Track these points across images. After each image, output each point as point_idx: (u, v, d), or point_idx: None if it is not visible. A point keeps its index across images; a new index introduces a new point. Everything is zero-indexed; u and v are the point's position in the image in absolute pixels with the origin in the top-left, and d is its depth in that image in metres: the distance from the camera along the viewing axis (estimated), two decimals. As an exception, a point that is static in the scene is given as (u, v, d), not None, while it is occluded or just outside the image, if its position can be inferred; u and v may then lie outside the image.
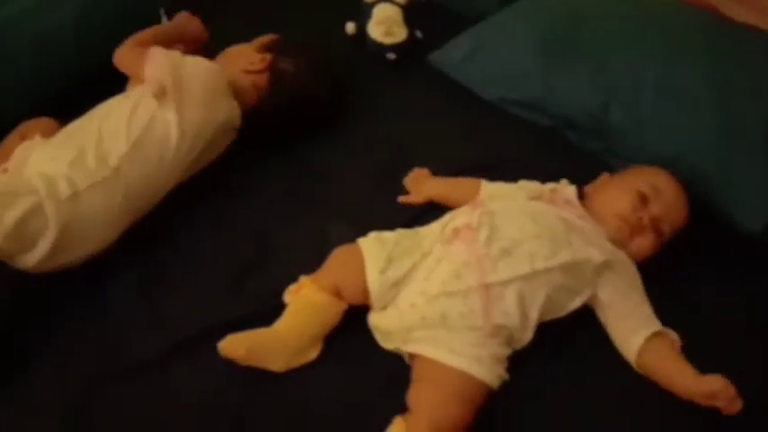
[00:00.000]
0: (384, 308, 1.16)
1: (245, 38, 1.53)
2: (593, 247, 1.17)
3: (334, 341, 1.16)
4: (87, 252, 1.21)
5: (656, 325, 1.15)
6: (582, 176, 1.38)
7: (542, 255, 1.14)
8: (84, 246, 1.21)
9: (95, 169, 1.22)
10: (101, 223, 1.22)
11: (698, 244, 1.28)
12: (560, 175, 1.38)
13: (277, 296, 1.19)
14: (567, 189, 1.29)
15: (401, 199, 1.38)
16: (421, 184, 1.39)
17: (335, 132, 1.52)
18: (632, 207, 1.22)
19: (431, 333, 1.12)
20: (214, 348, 1.11)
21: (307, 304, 1.15)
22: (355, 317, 1.18)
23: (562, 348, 1.17)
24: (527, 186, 1.31)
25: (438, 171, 1.42)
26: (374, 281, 1.15)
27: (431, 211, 1.34)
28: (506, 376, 1.11)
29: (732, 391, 1.06)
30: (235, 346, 1.10)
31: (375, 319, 1.17)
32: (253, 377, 1.11)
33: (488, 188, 1.32)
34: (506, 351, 1.13)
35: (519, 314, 1.12)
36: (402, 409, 1.08)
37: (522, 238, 1.15)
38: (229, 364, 1.11)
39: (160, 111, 1.29)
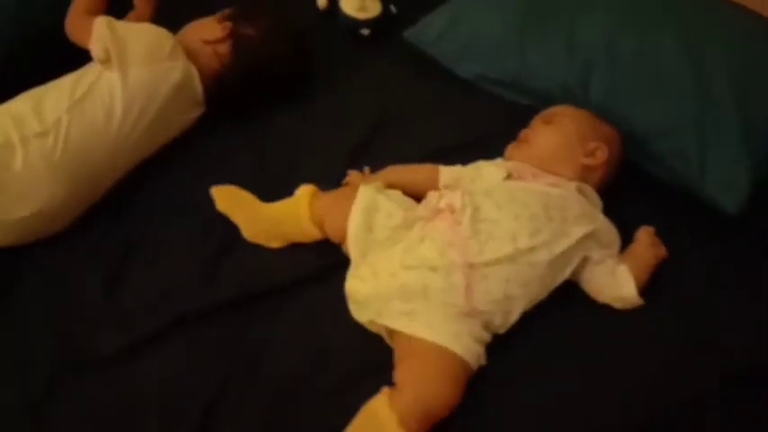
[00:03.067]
0: (362, 278, 1.14)
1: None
2: (573, 221, 1.16)
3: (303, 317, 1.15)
4: (29, 210, 1.19)
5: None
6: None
7: (524, 234, 1.12)
8: (22, 202, 1.19)
9: (31, 124, 1.22)
10: (37, 179, 1.20)
11: (679, 223, 1.28)
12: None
13: (250, 280, 1.16)
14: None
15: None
16: (371, 177, 1.34)
17: (307, 107, 1.48)
18: (584, 161, 1.26)
19: (408, 306, 1.10)
20: (184, 340, 1.08)
21: (294, 211, 1.25)
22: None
23: (545, 330, 1.15)
24: (486, 166, 1.28)
25: (412, 150, 1.39)
26: (355, 235, 1.17)
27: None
28: (484, 359, 1.10)
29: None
30: (224, 193, 1.28)
31: (352, 285, 1.15)
32: (223, 368, 1.09)
33: (448, 174, 1.29)
34: (485, 335, 1.11)
35: (502, 294, 1.10)
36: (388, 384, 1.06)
37: (503, 219, 1.14)
38: (199, 355, 1.08)
39: (104, 73, 1.28)
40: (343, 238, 1.20)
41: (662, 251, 1.22)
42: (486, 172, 1.26)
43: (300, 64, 1.51)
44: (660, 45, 1.37)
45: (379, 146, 1.41)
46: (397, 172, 1.32)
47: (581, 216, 1.18)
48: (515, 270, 1.11)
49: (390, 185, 1.28)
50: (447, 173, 1.29)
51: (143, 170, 1.33)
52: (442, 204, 1.18)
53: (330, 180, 1.33)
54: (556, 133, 1.29)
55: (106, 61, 1.29)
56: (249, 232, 1.27)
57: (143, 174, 1.33)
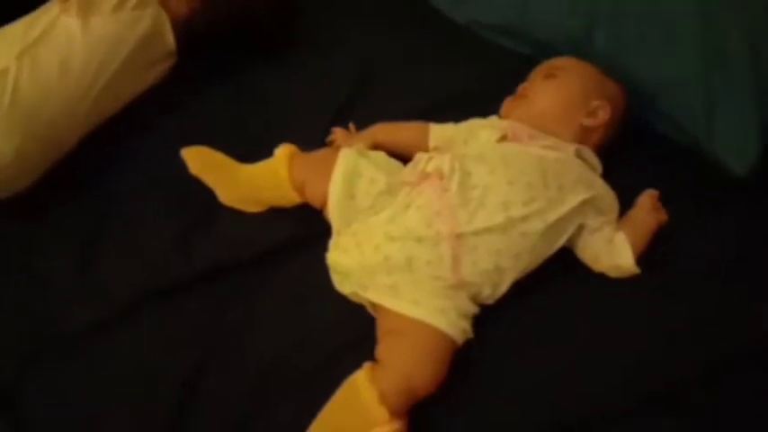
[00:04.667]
0: (345, 249, 1.09)
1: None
2: (570, 187, 1.09)
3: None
4: None
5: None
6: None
7: (518, 202, 1.06)
8: None
9: None
10: None
11: (683, 188, 1.21)
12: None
13: (228, 251, 1.11)
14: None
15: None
16: (357, 136, 1.26)
17: (290, 57, 1.40)
18: (584, 122, 1.19)
19: (393, 279, 1.05)
20: (160, 316, 1.04)
21: (273, 174, 1.17)
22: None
23: (536, 301, 1.10)
24: (480, 125, 1.20)
25: (404, 103, 1.31)
26: (336, 203, 1.10)
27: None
28: (471, 333, 1.05)
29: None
30: (196, 155, 1.20)
31: (334, 258, 1.10)
32: (200, 346, 1.05)
33: (438, 133, 1.21)
34: (472, 307, 1.06)
35: (492, 266, 1.05)
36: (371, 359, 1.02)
37: (495, 185, 1.06)
38: (175, 332, 1.04)
39: (62, 17, 1.19)
40: (325, 204, 1.13)
41: (663, 216, 1.15)
42: (481, 133, 1.18)
43: (278, 13, 1.41)
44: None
45: (368, 101, 1.33)
46: (384, 130, 1.24)
47: (579, 181, 1.11)
48: (506, 240, 1.05)
49: (377, 145, 1.20)
50: (437, 132, 1.22)
51: (114, 133, 1.26)
52: (430, 168, 1.11)
53: (314, 140, 1.26)
54: (557, 89, 1.20)
55: (65, 1, 1.19)
56: (226, 197, 1.21)
57: (114, 137, 1.26)
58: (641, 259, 1.11)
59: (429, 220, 1.05)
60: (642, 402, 1.02)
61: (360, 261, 1.07)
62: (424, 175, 1.11)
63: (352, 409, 0.97)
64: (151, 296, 1.08)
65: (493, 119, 1.23)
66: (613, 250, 1.12)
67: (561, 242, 1.10)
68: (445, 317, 1.02)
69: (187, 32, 1.31)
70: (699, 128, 1.23)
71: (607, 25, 1.31)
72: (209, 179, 1.21)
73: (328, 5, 1.51)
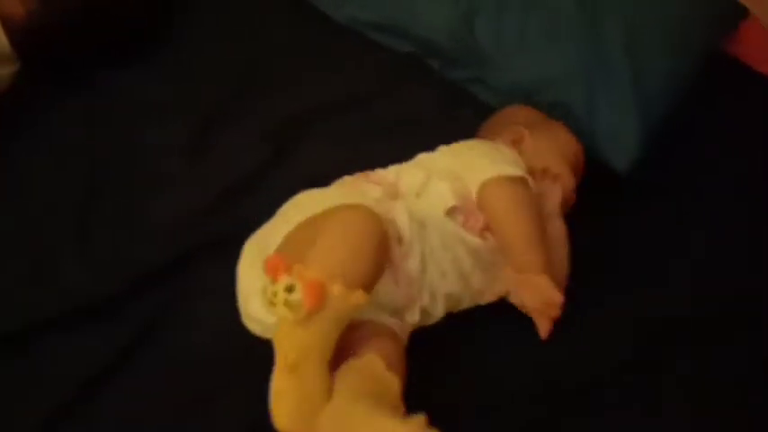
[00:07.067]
0: None
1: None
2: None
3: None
4: None
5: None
6: (445, 109, 1.28)
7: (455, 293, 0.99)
8: None
9: None
10: None
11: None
12: (421, 109, 1.27)
13: (93, 282, 1.01)
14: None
15: None
16: None
17: (153, 62, 1.28)
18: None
19: None
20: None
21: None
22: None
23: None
24: (435, 182, 1.03)
25: (282, 108, 1.24)
26: None
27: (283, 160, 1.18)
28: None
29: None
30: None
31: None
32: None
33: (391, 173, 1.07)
34: None
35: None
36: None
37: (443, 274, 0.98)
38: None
39: None
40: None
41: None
42: (435, 191, 1.02)
43: (138, 9, 1.29)
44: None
45: (243, 107, 1.24)
46: None
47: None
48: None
49: None
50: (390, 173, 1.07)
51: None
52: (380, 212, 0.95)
53: (183, 146, 1.17)
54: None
55: None
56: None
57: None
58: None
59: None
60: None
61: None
62: None
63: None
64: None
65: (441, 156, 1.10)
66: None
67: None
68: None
69: (28, 35, 1.19)
70: (581, 124, 1.22)
71: (488, 20, 1.29)
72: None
73: (199, 3, 1.41)
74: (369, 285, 0.88)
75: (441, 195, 1.01)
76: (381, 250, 0.91)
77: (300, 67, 1.34)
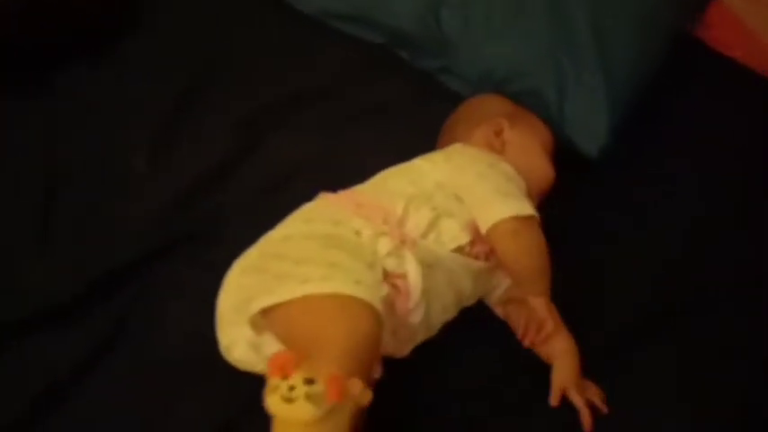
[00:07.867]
0: None
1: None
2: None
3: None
4: None
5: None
6: (416, 99, 1.27)
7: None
8: None
9: None
10: None
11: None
12: (392, 99, 1.26)
13: (52, 283, 0.97)
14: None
15: None
16: None
17: (120, 54, 1.24)
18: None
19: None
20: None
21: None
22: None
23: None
24: (447, 221, 0.98)
25: (247, 101, 1.22)
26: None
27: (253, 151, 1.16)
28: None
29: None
30: None
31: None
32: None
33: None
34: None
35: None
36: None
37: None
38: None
39: None
40: None
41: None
42: (446, 229, 0.97)
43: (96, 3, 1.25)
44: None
45: (208, 104, 1.21)
46: None
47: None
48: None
49: None
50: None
51: None
52: (393, 267, 0.91)
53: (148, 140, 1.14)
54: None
55: None
56: None
57: None
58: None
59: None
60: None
61: None
62: (391, 283, 0.92)
63: None
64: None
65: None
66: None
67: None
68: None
69: None
70: (550, 111, 1.22)
71: (455, 8, 1.28)
72: None
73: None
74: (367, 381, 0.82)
75: (453, 236, 0.97)
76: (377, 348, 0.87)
77: (271, 58, 1.32)
